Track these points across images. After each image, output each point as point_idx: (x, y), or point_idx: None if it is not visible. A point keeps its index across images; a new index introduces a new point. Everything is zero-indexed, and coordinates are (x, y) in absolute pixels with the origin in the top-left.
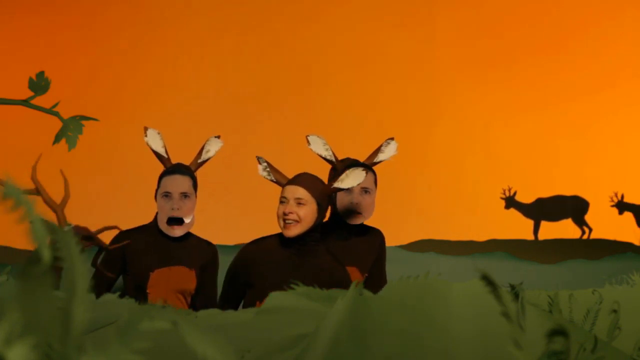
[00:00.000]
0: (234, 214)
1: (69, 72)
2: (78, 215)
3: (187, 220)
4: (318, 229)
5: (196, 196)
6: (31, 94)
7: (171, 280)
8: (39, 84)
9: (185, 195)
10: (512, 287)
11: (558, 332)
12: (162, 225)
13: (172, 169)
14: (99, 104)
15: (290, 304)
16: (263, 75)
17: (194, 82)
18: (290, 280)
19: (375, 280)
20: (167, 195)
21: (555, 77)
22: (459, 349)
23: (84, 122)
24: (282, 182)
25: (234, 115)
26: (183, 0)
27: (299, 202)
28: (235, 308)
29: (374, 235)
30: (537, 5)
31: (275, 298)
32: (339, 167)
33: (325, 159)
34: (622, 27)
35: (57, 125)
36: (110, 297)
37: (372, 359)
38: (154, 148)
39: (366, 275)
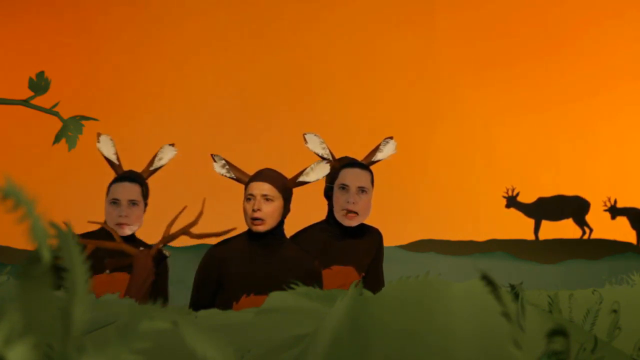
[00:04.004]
0: (234, 215)
1: (69, 72)
2: (78, 215)
3: (134, 229)
4: (283, 223)
5: (146, 204)
6: (31, 94)
7: (115, 288)
8: (39, 84)
9: (133, 202)
10: (512, 287)
11: (558, 332)
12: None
13: (122, 176)
14: (99, 104)
15: (290, 304)
16: (263, 76)
17: (194, 83)
18: (262, 277)
19: (372, 279)
20: (115, 202)
21: (556, 78)
22: (459, 348)
23: (84, 122)
24: (244, 179)
25: (235, 115)
26: (183, 2)
27: (267, 199)
28: None
29: (372, 235)
30: (537, 6)
31: (275, 298)
32: (336, 165)
33: (322, 157)
34: (622, 29)
35: (57, 125)
36: (110, 297)
37: (372, 359)
38: (106, 154)
39: (363, 274)
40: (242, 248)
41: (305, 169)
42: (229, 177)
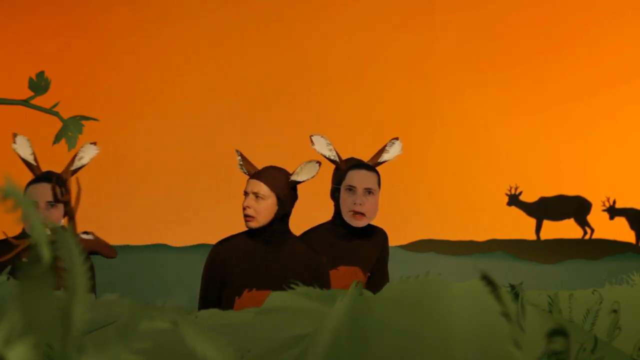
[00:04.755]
0: (237, 215)
1: (69, 72)
2: (78, 215)
3: None
4: (285, 220)
5: (66, 205)
6: (31, 94)
7: None
8: (39, 84)
9: (51, 204)
10: (512, 287)
11: (558, 332)
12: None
13: (39, 177)
14: (99, 104)
15: (290, 304)
16: (265, 77)
17: (195, 83)
18: (264, 273)
19: (378, 279)
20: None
21: (556, 78)
22: (459, 348)
23: (84, 122)
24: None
25: (236, 116)
26: (183, 3)
27: (257, 196)
28: None
29: (378, 235)
30: (537, 7)
31: (275, 298)
32: (343, 167)
33: (328, 159)
34: (623, 29)
35: (57, 125)
36: (110, 297)
37: (372, 358)
38: (22, 155)
39: (368, 274)
40: (244, 245)
41: (295, 170)
42: (244, 173)
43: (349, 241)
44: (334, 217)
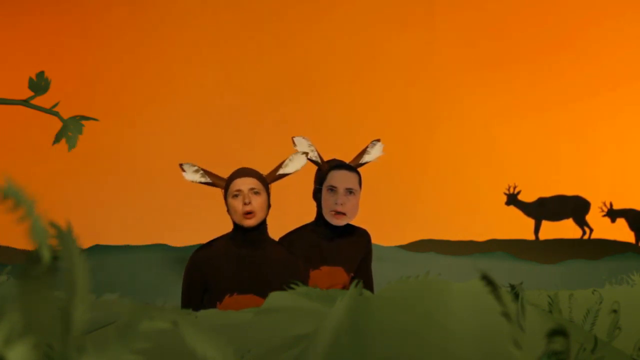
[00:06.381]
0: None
1: (69, 72)
2: (78, 215)
3: None
4: (266, 221)
5: None
6: (31, 94)
7: None
8: (39, 84)
9: None
10: (512, 287)
11: (558, 332)
12: None
13: None
14: (99, 104)
15: (290, 304)
16: (265, 76)
17: (195, 83)
18: (246, 277)
19: (362, 280)
20: None
21: (556, 78)
22: (459, 349)
23: (84, 122)
24: (220, 182)
25: (235, 116)
26: (184, 3)
27: (255, 192)
28: None
29: (360, 235)
30: (538, 7)
31: (275, 298)
32: (325, 167)
33: (310, 159)
34: (623, 30)
35: (57, 125)
36: (110, 297)
37: (372, 359)
38: None
39: (352, 275)
40: (225, 249)
41: (283, 162)
42: (204, 183)
43: (331, 241)
44: (316, 217)
